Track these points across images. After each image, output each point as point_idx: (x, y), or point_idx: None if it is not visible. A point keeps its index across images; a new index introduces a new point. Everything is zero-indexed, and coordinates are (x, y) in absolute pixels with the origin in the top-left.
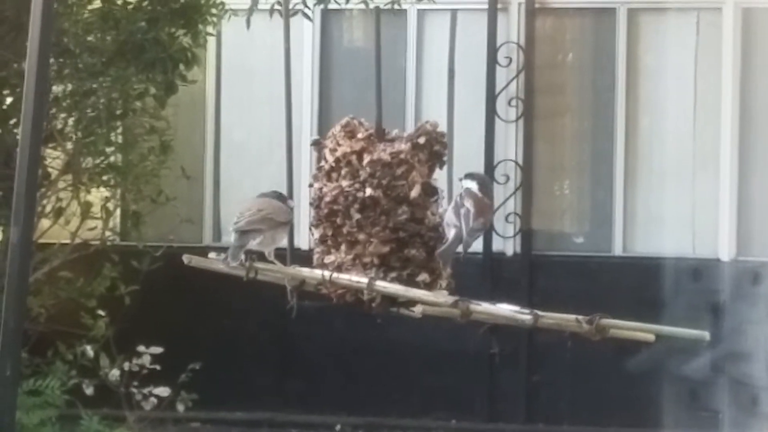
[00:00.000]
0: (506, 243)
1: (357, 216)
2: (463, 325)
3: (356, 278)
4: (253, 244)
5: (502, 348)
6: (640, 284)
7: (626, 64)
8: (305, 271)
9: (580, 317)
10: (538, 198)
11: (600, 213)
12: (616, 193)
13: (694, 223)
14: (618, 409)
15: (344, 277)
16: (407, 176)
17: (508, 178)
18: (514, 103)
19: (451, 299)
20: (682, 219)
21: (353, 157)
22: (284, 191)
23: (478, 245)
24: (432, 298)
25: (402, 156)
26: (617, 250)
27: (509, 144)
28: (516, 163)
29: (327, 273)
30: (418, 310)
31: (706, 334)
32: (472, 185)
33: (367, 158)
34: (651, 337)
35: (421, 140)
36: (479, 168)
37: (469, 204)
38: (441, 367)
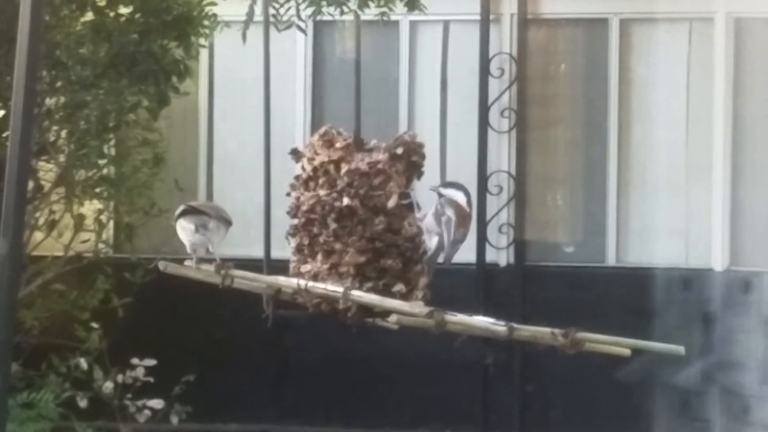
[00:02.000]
0: (499, 254)
1: (334, 225)
2: (455, 335)
3: (332, 288)
4: (209, 225)
5: (496, 358)
6: (634, 294)
7: (618, 75)
8: (281, 280)
9: (555, 330)
10: (531, 209)
11: (593, 223)
12: (609, 204)
13: (687, 233)
14: (611, 419)
15: (320, 287)
16: (384, 186)
17: (500, 189)
18: (506, 113)
19: (426, 310)
20: (675, 229)
21: (331, 167)
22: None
23: (471, 256)
24: (407, 309)
25: (379, 166)
26: (610, 260)
27: (502, 155)
28: (509, 173)
29: (303, 282)
30: (392, 320)
31: (681, 349)
32: (458, 195)
33: (344, 168)
34: (627, 352)
35: (399, 151)
36: (472, 179)
37: (450, 212)
38: (435, 378)
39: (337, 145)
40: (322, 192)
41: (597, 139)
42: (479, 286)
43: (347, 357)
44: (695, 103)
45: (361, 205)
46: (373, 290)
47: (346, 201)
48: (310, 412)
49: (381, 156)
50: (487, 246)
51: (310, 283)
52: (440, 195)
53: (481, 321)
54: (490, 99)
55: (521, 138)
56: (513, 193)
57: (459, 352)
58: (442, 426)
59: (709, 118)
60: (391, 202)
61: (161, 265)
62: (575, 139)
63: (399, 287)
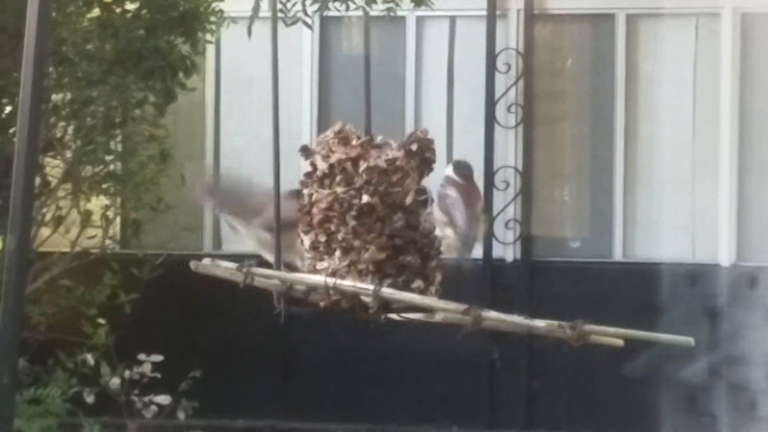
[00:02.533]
0: (506, 249)
1: (353, 223)
2: (458, 330)
3: (362, 285)
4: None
5: (502, 354)
6: (640, 290)
7: (625, 70)
8: (306, 278)
9: (563, 323)
10: (538, 204)
11: (600, 219)
12: (615, 199)
13: (693, 229)
14: (617, 415)
15: (348, 284)
16: (402, 183)
17: (507, 185)
18: (513, 109)
19: (462, 307)
20: (681, 224)
21: (348, 164)
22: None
23: (478, 251)
24: (442, 306)
25: (398, 163)
26: (617, 255)
27: (509, 150)
28: (515, 169)
29: (330, 280)
30: (438, 318)
31: (691, 340)
32: (447, 170)
33: (363, 165)
34: (619, 342)
35: (414, 147)
36: (478, 174)
37: (451, 191)
38: (441, 374)
39: (354, 142)
40: (339, 189)
41: (604, 134)
42: (486, 281)
43: (353, 353)
44: (702, 99)
45: (381, 202)
46: (392, 286)
47: (365, 198)
48: (316, 408)
49: (398, 153)
50: (494, 241)
51: (338, 281)
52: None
53: (516, 318)
54: (497, 94)
55: (528, 133)
56: (520, 189)
57: (465, 347)
58: (448, 422)
59: (715, 113)
60: (409, 199)
61: (192, 265)
62: (582, 135)
63: (418, 283)
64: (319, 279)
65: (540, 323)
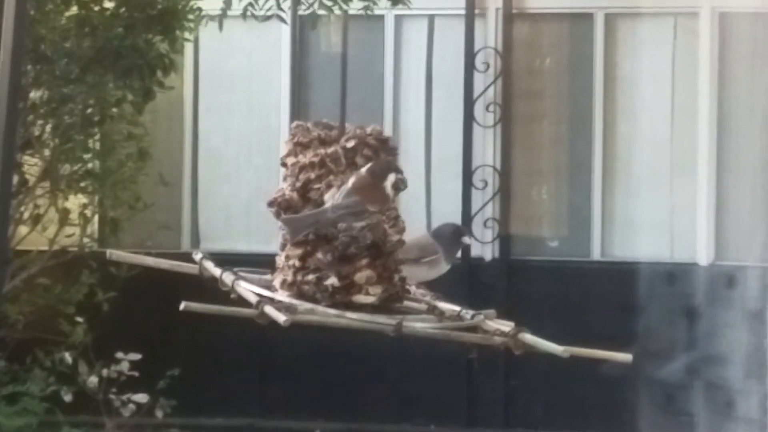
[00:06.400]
0: (484, 248)
1: (282, 217)
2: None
3: (382, 320)
4: None
5: (481, 353)
6: (619, 289)
7: (604, 69)
8: (319, 310)
9: (506, 330)
10: (516, 203)
11: (578, 218)
12: (594, 198)
13: (672, 228)
14: (596, 413)
15: (365, 318)
16: (323, 180)
17: (486, 184)
18: (491, 108)
19: (389, 321)
20: (660, 223)
21: (287, 159)
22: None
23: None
24: (359, 319)
25: (325, 160)
26: (595, 254)
27: (487, 149)
28: (494, 168)
29: (352, 315)
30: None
31: (629, 357)
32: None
33: (291, 160)
34: (628, 357)
35: (350, 144)
36: (457, 173)
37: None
38: (420, 373)
39: (299, 138)
40: (283, 184)
41: (582, 133)
42: (464, 280)
43: (332, 352)
44: (680, 98)
45: (299, 197)
46: (306, 283)
47: (287, 193)
48: (294, 407)
49: (330, 149)
50: (473, 240)
51: (353, 315)
52: None
53: (448, 324)
54: (476, 93)
55: (506, 132)
56: (498, 188)
57: (443, 347)
58: (426, 421)
59: (693, 112)
60: (328, 196)
61: (108, 253)
62: (560, 134)
63: (331, 281)
64: (328, 311)
65: (475, 335)
